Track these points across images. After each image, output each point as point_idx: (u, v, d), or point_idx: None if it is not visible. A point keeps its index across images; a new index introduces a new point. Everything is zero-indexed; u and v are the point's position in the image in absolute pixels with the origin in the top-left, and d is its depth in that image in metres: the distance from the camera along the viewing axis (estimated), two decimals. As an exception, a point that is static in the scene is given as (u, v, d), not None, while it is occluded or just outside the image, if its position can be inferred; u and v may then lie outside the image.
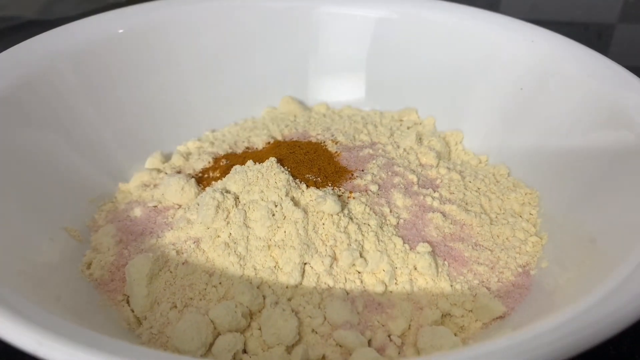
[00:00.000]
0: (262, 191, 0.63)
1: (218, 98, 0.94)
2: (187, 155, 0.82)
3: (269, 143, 0.82)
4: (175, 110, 0.91)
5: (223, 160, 0.77)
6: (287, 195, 0.62)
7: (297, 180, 0.66)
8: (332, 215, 0.61)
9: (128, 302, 0.60)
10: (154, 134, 0.88)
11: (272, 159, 0.66)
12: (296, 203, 0.62)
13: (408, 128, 0.87)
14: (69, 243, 0.65)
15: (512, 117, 0.81)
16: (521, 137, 0.79)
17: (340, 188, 0.67)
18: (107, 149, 0.81)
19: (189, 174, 0.77)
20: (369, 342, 0.55)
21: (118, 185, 0.78)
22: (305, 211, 0.61)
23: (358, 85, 0.97)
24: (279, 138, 0.84)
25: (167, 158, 0.84)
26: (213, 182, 0.72)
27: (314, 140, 0.80)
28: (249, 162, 0.67)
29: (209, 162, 0.78)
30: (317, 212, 0.62)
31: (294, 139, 0.81)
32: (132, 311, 0.59)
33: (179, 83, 0.91)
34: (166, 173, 0.78)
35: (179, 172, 0.78)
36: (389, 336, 0.56)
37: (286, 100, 0.94)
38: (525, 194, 0.73)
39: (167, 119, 0.90)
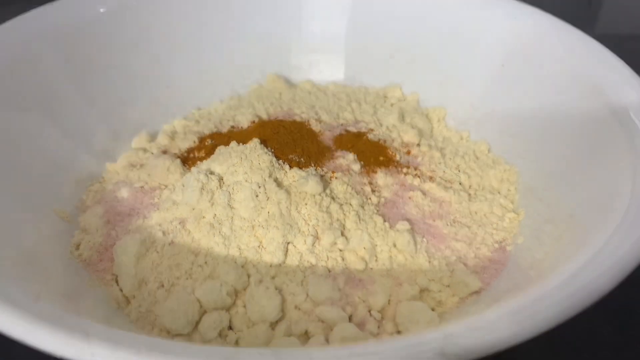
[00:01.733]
0: (245, 172, 0.64)
1: (203, 76, 0.94)
2: (172, 135, 0.83)
3: (253, 122, 0.83)
4: (161, 89, 0.91)
5: (208, 140, 0.77)
6: (270, 176, 0.64)
7: (281, 161, 0.67)
8: (314, 195, 0.63)
9: (117, 281, 0.62)
10: (140, 113, 0.88)
11: (256, 140, 0.67)
12: (279, 184, 0.64)
13: (392, 105, 0.88)
14: (57, 224, 0.67)
15: (493, 94, 0.82)
16: (502, 113, 0.81)
17: (323, 168, 0.69)
18: (92, 129, 0.81)
19: (175, 154, 0.78)
20: (350, 318, 0.58)
21: (105, 165, 0.79)
22: (288, 192, 0.63)
23: (342, 62, 0.97)
24: (264, 116, 0.85)
25: (153, 137, 0.85)
26: (198, 162, 0.73)
27: (298, 119, 0.81)
28: (233, 144, 0.68)
29: (195, 142, 0.79)
30: (300, 193, 0.63)
31: (279, 118, 0.82)
32: (121, 291, 0.61)
33: (163, 61, 0.91)
34: (152, 153, 0.79)
35: (164, 152, 0.79)
36: (369, 311, 0.58)
37: (272, 78, 0.94)
38: (504, 171, 0.74)
39: (152, 98, 0.90)
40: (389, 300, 0.60)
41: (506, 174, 0.74)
